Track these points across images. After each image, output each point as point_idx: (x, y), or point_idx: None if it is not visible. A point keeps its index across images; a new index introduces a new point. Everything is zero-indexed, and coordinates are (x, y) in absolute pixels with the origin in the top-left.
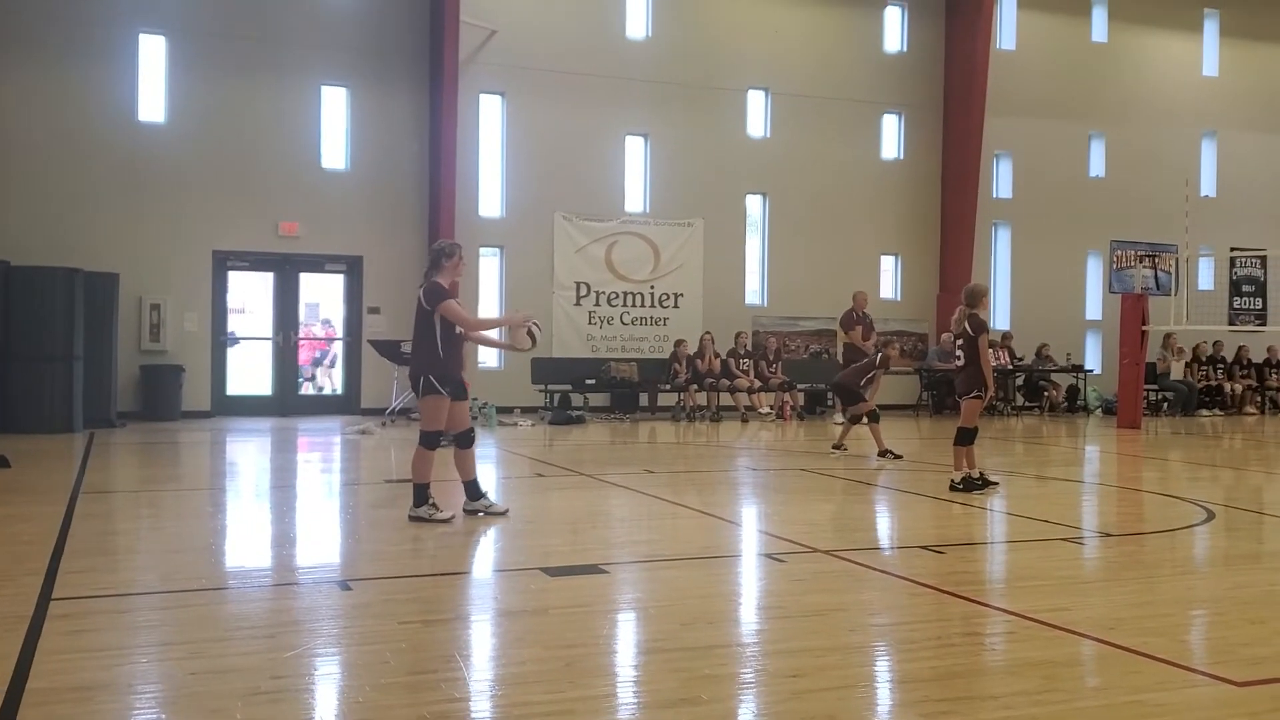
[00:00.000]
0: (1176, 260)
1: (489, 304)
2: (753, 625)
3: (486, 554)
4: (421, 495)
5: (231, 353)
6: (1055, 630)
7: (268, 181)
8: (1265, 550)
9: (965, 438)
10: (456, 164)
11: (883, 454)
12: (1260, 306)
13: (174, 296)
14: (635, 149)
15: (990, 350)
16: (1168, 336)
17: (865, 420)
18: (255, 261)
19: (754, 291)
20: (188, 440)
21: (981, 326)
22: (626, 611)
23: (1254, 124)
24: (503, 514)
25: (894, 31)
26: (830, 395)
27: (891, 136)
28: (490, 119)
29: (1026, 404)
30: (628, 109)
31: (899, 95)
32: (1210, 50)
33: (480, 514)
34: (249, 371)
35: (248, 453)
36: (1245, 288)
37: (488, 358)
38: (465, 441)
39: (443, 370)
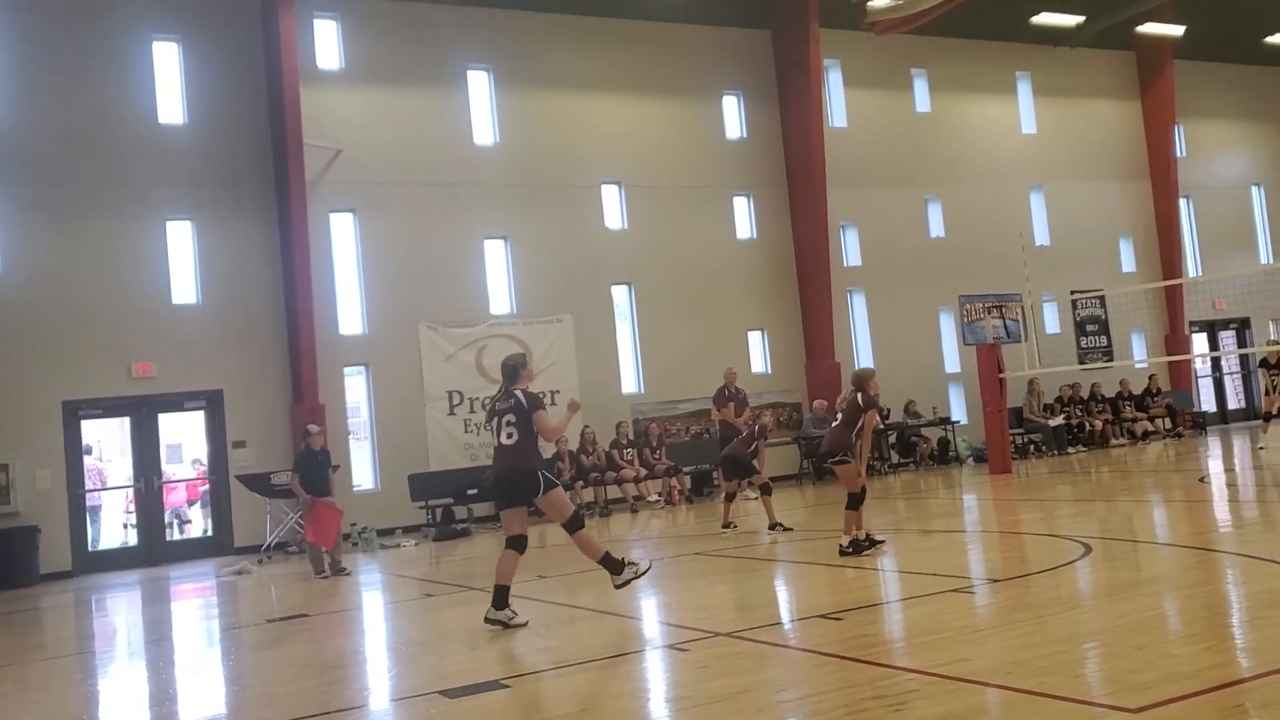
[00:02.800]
0: (1022, 308)
1: (359, 423)
2: None
3: (380, 683)
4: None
5: (92, 505)
6: (957, 682)
7: (116, 324)
8: (1142, 578)
9: (855, 502)
10: (312, 285)
11: (773, 527)
12: (1106, 344)
13: (23, 454)
14: (496, 252)
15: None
16: (1032, 381)
17: (758, 494)
18: (109, 407)
19: (630, 380)
20: (50, 604)
21: (871, 402)
22: None
23: (1075, 173)
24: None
25: (733, 119)
26: (716, 474)
27: (744, 217)
28: (343, 236)
29: (901, 460)
30: (484, 213)
31: (746, 178)
32: (1026, 109)
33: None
34: (111, 523)
35: (117, 609)
36: (1089, 327)
37: (362, 480)
38: (577, 524)
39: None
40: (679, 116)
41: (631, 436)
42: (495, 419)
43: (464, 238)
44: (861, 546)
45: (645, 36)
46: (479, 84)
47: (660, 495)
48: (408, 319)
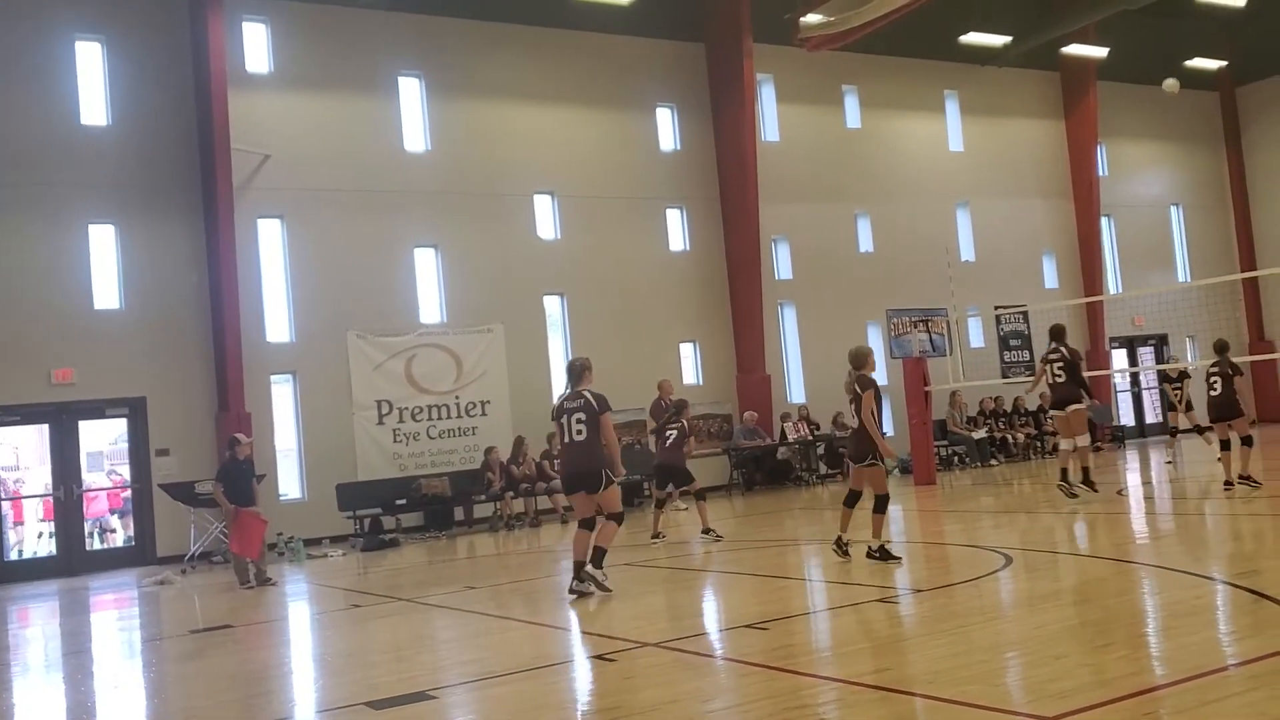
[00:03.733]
0: (948, 323)
1: (286, 431)
2: None
3: (306, 695)
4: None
5: (9, 514)
6: (880, 691)
7: (36, 329)
8: (1061, 588)
9: (883, 505)
10: (239, 291)
11: (706, 531)
12: (1028, 358)
13: None
14: (426, 260)
15: (872, 411)
16: (955, 394)
17: (687, 505)
18: (27, 414)
19: (561, 390)
20: None
21: (869, 384)
22: None
23: (1000, 191)
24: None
25: (667, 131)
26: (648, 484)
27: (676, 229)
28: (271, 243)
29: (829, 470)
30: (414, 221)
31: (679, 190)
32: (954, 127)
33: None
34: (29, 533)
35: (34, 620)
36: (1013, 342)
37: (289, 490)
38: (619, 518)
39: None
40: (613, 128)
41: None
42: (564, 416)
43: (394, 246)
44: (888, 555)
45: (580, 47)
46: (410, 91)
47: None
48: (336, 327)
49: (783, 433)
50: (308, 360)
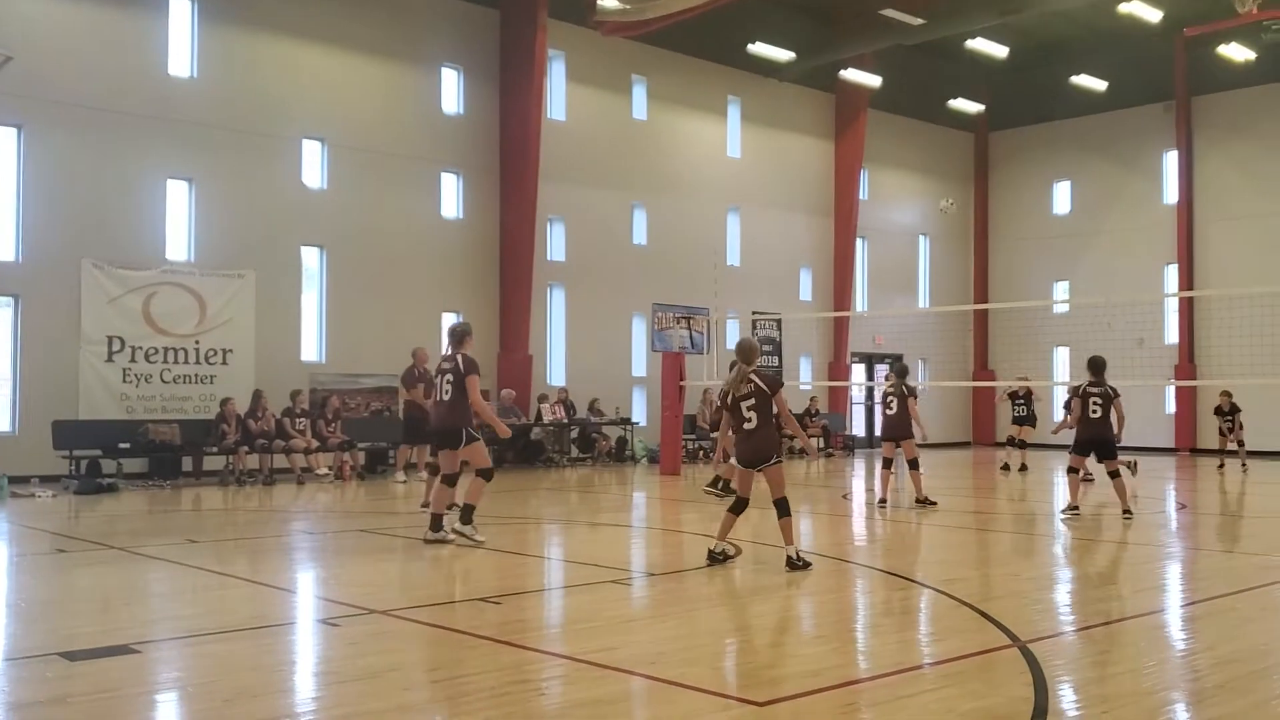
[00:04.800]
0: (708, 322)
1: (0, 359)
2: (303, 695)
3: None
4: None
5: None
6: (603, 670)
7: None
8: (783, 581)
9: (786, 508)
10: None
11: (451, 507)
12: (778, 364)
13: None
14: (179, 194)
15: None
16: (707, 391)
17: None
18: None
19: (311, 347)
20: None
21: (777, 383)
22: (162, 693)
23: (769, 201)
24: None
25: (451, 93)
26: (391, 450)
27: (451, 195)
28: (4, 152)
29: (580, 455)
30: (170, 151)
31: (457, 156)
32: (734, 133)
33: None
34: None
35: None
36: (765, 347)
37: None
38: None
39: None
40: (396, 81)
41: (307, 406)
42: (439, 377)
43: (145, 174)
44: (798, 564)
45: None
46: (181, 10)
47: (331, 469)
48: (70, 252)
49: (539, 413)
50: (33, 284)
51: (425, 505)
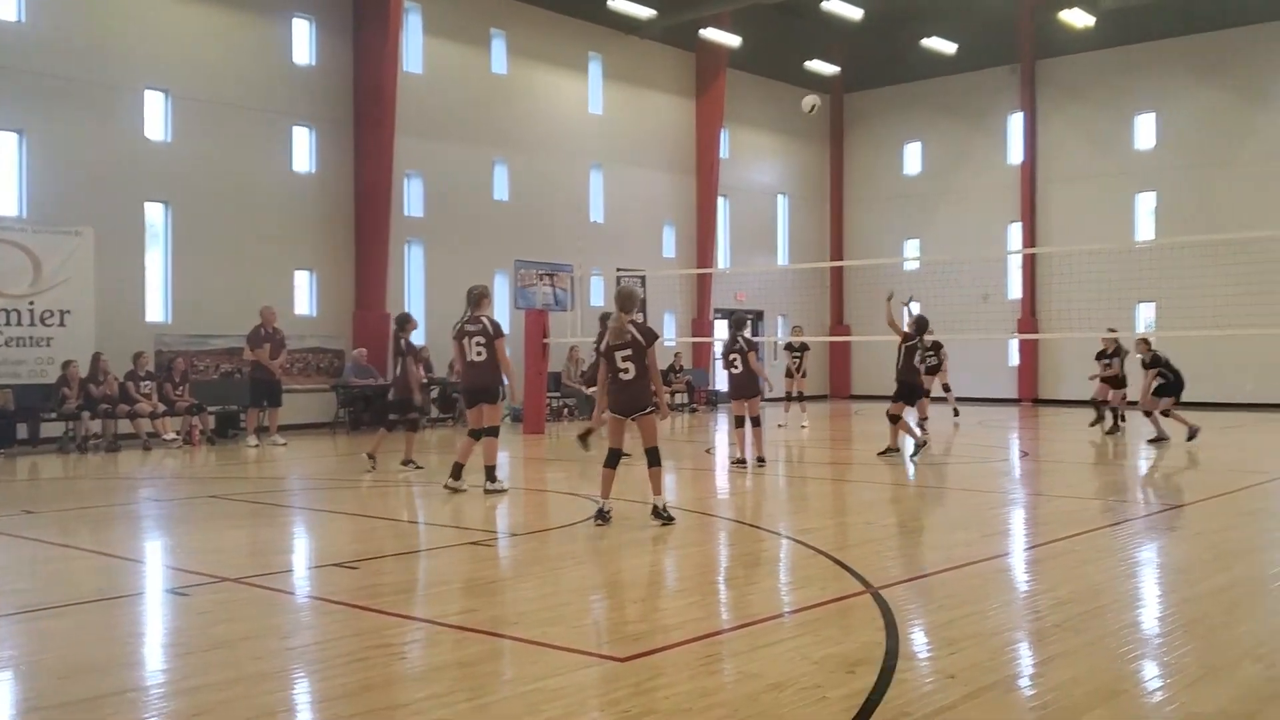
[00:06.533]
0: (572, 279)
1: None
2: (151, 667)
3: None
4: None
5: None
6: (464, 632)
7: None
8: (645, 537)
9: (658, 457)
10: None
11: (406, 464)
12: (642, 320)
13: None
14: (7, 146)
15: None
16: (572, 349)
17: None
18: None
19: (156, 308)
20: None
21: (653, 335)
22: None
23: (632, 159)
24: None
25: (303, 44)
26: (242, 412)
27: (303, 149)
28: None
29: (441, 415)
30: None
31: (310, 108)
32: (595, 90)
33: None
34: None
35: None
36: None
37: None
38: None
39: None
40: (243, 29)
41: (152, 369)
42: (465, 339)
43: None
44: (664, 515)
45: None
46: None
47: (179, 434)
48: None
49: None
50: None
51: (408, 462)
